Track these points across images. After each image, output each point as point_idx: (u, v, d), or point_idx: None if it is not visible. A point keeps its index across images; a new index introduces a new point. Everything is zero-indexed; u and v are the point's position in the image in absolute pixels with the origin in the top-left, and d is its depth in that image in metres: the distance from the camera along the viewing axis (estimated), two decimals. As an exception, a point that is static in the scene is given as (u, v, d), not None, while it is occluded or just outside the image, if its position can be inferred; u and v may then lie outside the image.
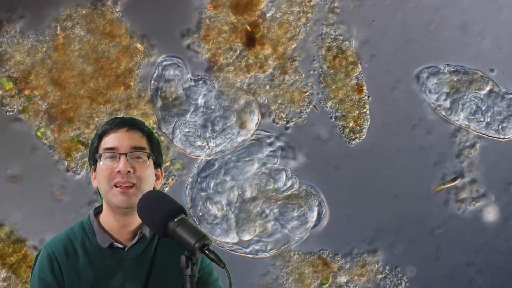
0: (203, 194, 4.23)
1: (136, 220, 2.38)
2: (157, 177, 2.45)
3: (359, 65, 4.28)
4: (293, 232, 4.25)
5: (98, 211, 2.46)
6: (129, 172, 2.33)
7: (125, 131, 2.39)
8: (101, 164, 2.37)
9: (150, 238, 2.41)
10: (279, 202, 4.23)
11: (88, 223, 2.41)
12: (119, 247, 2.37)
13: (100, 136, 2.41)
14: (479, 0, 4.31)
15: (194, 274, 2.13)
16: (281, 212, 4.24)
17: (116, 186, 2.33)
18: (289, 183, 4.24)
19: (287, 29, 4.26)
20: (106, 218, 2.41)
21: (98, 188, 2.42)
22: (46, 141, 4.19)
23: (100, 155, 2.37)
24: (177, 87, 4.17)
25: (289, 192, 4.24)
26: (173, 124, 4.17)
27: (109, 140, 2.38)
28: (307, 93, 4.27)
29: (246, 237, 4.23)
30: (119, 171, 2.33)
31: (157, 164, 2.45)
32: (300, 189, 4.25)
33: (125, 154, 2.35)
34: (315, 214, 4.26)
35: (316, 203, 4.25)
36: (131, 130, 2.40)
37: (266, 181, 4.22)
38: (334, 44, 4.28)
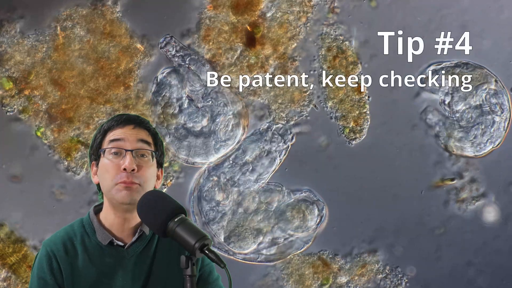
0: (215, 178, 4.23)
1: (137, 217, 2.37)
2: (158, 177, 2.45)
3: (359, 65, 4.28)
4: (297, 240, 4.26)
5: (98, 209, 2.45)
6: (133, 170, 2.32)
7: (132, 128, 2.39)
8: (105, 159, 2.37)
9: (150, 236, 2.41)
10: (278, 219, 4.24)
11: (88, 220, 2.41)
12: (119, 245, 2.37)
13: (105, 131, 2.40)
14: (479, 0, 4.30)
15: (194, 274, 2.13)
16: (283, 227, 4.24)
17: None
18: (283, 198, 4.25)
19: (287, 29, 4.25)
20: (107, 215, 2.40)
21: (98, 183, 2.42)
22: (46, 141, 4.18)
23: (105, 150, 2.37)
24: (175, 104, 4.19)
25: (289, 202, 4.25)
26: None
27: (115, 134, 2.38)
28: (307, 93, 4.27)
29: (245, 248, 4.23)
30: (124, 169, 2.32)
31: (159, 164, 2.45)
32: (298, 194, 4.25)
33: (131, 151, 2.35)
34: (316, 219, 4.26)
35: (316, 209, 4.25)
36: (138, 128, 2.41)
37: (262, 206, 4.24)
38: (334, 44, 4.27)
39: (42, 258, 2.36)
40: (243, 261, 4.24)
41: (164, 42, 4.20)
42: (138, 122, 2.41)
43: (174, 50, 4.14)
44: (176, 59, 4.17)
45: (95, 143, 2.41)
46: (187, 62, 4.17)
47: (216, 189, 4.22)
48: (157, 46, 4.21)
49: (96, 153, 2.41)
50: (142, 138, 2.38)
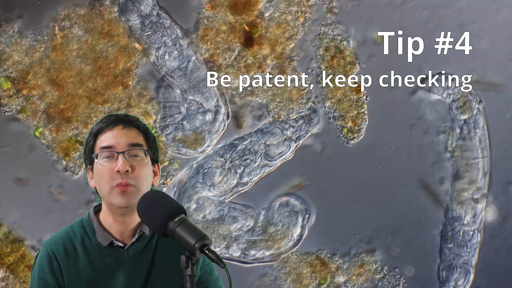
0: (221, 159, 4.21)
1: (136, 219, 2.38)
2: (155, 173, 2.44)
3: (357, 65, 4.28)
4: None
5: (97, 209, 2.45)
6: (127, 171, 2.31)
7: (121, 129, 2.37)
8: (98, 164, 2.35)
9: (150, 237, 2.41)
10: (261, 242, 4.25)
11: (88, 221, 2.41)
12: (119, 246, 2.37)
13: (95, 135, 2.38)
14: (477, 0, 4.31)
15: (194, 274, 2.13)
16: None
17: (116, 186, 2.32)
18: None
19: (285, 28, 4.25)
20: (106, 218, 2.40)
21: (95, 187, 2.41)
22: (44, 141, 4.18)
23: (97, 155, 2.36)
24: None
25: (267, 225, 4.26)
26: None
27: (105, 139, 2.36)
28: (305, 91, 4.27)
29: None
30: (118, 171, 2.31)
31: (154, 160, 2.44)
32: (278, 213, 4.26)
33: (123, 152, 2.33)
34: (299, 229, 4.27)
35: (300, 222, 4.25)
36: (127, 127, 2.38)
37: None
38: (332, 44, 4.28)
39: (43, 259, 2.36)
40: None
41: None
42: (127, 121, 2.39)
43: None
44: None
45: (87, 147, 2.40)
46: None
47: (218, 171, 4.20)
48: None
49: (89, 158, 2.40)
50: (132, 142, 2.36)
